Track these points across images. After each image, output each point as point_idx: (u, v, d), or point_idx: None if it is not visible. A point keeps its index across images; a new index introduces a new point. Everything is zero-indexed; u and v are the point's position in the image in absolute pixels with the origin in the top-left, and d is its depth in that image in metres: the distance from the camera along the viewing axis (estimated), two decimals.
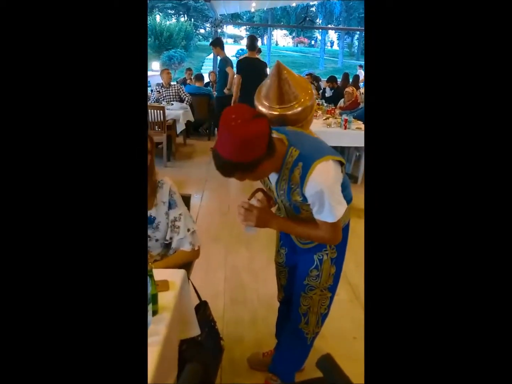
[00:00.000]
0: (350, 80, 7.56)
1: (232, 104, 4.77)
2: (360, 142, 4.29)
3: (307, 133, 1.32)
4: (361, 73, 11.03)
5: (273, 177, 1.23)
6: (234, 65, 4.50)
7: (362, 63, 12.48)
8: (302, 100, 1.45)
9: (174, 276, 1.24)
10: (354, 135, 4.18)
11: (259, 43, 5.07)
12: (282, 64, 1.48)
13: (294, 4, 12.45)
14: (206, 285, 2.24)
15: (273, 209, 1.41)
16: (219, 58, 4.98)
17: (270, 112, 1.45)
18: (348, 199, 1.28)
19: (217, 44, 4.93)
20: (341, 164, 1.19)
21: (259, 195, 1.34)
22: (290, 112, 1.43)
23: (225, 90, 4.94)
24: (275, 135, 1.16)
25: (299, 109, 1.44)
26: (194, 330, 1.31)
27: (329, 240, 1.27)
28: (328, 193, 1.12)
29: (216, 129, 5.64)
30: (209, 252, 2.72)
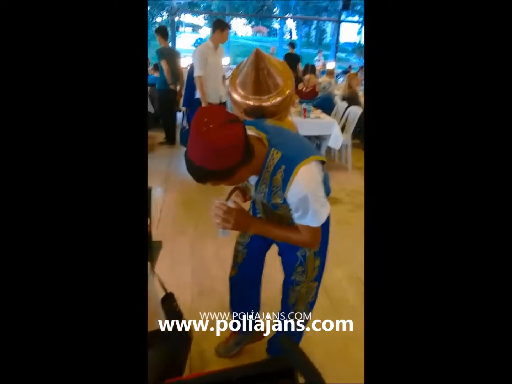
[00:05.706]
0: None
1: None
2: (319, 131, 4.38)
3: (287, 128, 1.23)
4: (321, 60, 11.18)
5: (252, 179, 1.16)
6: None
7: (323, 51, 12.60)
8: (282, 90, 1.34)
9: None
10: (314, 124, 4.28)
11: None
12: (262, 52, 1.35)
13: None
14: (172, 278, 2.22)
15: (248, 204, 1.39)
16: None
17: (246, 102, 1.35)
18: (328, 192, 1.27)
19: (158, 31, 4.73)
20: (323, 162, 1.15)
21: (236, 194, 1.30)
22: (268, 104, 1.33)
23: (171, 86, 4.80)
24: (253, 132, 1.09)
25: (278, 99, 1.33)
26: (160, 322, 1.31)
27: (310, 244, 1.24)
28: (312, 198, 1.07)
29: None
30: (175, 245, 2.71)
